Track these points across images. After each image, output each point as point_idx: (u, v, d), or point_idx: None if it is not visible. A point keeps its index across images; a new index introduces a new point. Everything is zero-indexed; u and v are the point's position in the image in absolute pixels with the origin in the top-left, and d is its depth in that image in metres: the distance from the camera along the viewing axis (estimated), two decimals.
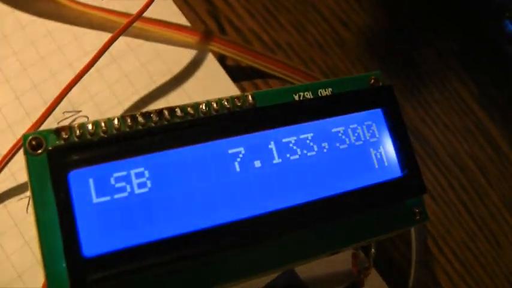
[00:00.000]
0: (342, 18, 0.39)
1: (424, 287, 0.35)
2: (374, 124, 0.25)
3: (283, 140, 0.23)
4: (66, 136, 0.21)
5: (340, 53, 0.38)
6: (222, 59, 0.35)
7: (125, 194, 0.21)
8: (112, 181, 0.21)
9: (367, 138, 0.25)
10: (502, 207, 0.38)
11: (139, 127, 0.22)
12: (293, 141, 0.24)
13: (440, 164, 0.38)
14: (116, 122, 0.22)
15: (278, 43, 0.37)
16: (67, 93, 0.28)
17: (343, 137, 0.25)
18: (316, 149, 0.24)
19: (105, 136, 0.22)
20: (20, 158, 0.22)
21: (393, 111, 0.26)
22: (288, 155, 0.23)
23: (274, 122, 0.23)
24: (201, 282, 0.23)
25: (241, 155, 0.23)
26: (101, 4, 0.33)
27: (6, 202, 0.29)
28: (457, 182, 0.38)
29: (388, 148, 0.25)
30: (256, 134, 0.23)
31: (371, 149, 0.25)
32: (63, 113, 0.30)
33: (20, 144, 0.27)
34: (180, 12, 0.34)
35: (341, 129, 0.25)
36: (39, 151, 0.21)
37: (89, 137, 0.21)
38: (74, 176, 0.20)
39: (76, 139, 0.21)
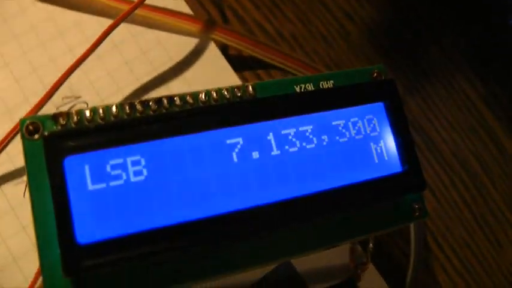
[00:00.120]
0: (346, 11, 0.39)
1: (421, 284, 0.34)
2: (375, 118, 0.25)
3: (283, 132, 0.23)
4: (64, 122, 0.21)
5: (344, 45, 0.38)
6: (224, 49, 0.34)
7: (120, 182, 0.21)
8: (108, 168, 0.20)
9: (368, 132, 0.25)
10: (503, 206, 0.38)
11: (138, 115, 0.22)
12: (292, 133, 0.23)
13: (442, 161, 0.37)
14: (114, 109, 0.22)
15: (282, 34, 0.37)
16: (66, 78, 0.28)
17: (344, 130, 0.24)
18: (315, 141, 0.24)
19: (102, 123, 0.21)
20: (18, 143, 0.22)
21: (395, 106, 0.25)
22: (286, 147, 0.23)
23: (274, 113, 0.23)
24: (196, 273, 0.22)
25: (239, 146, 0.22)
26: None
27: (3, 186, 0.29)
28: (459, 179, 0.37)
29: (389, 143, 0.25)
30: (255, 124, 0.23)
31: (371, 143, 0.25)
32: (63, 98, 0.30)
33: (18, 128, 0.27)
34: (182, 1, 0.34)
35: (341, 122, 0.24)
36: (36, 136, 0.21)
37: (86, 123, 0.21)
38: (70, 162, 0.20)
39: (73, 125, 0.21)
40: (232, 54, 0.35)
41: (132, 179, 0.21)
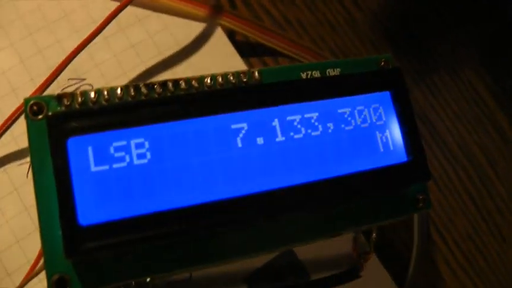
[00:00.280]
0: None
1: (424, 276, 0.34)
2: (381, 107, 0.25)
3: (288, 118, 0.23)
4: (68, 103, 0.21)
5: (352, 33, 0.37)
6: (231, 34, 0.34)
7: (123, 164, 0.20)
8: (111, 150, 0.20)
9: (374, 120, 0.25)
10: (508, 200, 0.37)
11: (142, 98, 0.22)
12: (298, 120, 0.23)
13: (448, 152, 0.37)
14: (118, 91, 0.22)
15: (289, 20, 0.37)
16: (72, 59, 0.28)
17: (349, 118, 0.24)
18: (320, 129, 0.24)
19: (107, 105, 0.21)
20: (22, 123, 0.22)
21: (401, 95, 0.25)
22: (291, 134, 0.23)
23: (279, 99, 0.23)
24: (197, 258, 0.22)
25: (243, 131, 0.22)
26: None
27: (7, 166, 0.29)
28: (464, 171, 0.37)
29: (395, 132, 0.25)
30: (260, 110, 0.23)
31: (377, 132, 0.25)
32: (68, 80, 0.30)
33: (22, 108, 0.27)
34: None
35: (347, 110, 0.24)
36: (40, 116, 0.21)
37: (90, 105, 0.21)
38: (73, 143, 0.20)
39: (78, 106, 0.21)
40: (239, 40, 0.35)
41: (136, 161, 0.21)
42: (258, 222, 0.23)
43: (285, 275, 0.30)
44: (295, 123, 0.23)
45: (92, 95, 0.21)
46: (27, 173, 0.28)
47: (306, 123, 0.23)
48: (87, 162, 0.20)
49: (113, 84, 0.31)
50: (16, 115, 0.27)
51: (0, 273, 0.27)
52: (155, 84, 0.22)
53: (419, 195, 0.26)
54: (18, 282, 0.26)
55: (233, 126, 0.22)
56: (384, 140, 0.25)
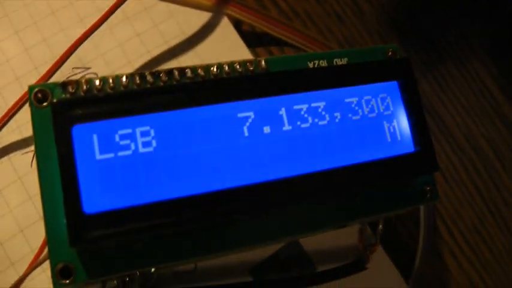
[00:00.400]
0: None
1: (430, 268, 0.34)
2: (389, 97, 0.25)
3: (295, 107, 0.23)
4: (73, 90, 0.21)
5: (359, 24, 0.37)
6: (237, 24, 0.34)
7: (129, 152, 0.20)
8: (116, 138, 0.20)
9: (381, 110, 0.24)
10: None
11: (148, 86, 0.22)
12: (305, 109, 0.23)
13: (454, 144, 0.37)
14: (124, 79, 0.22)
15: (296, 11, 0.36)
16: (77, 48, 0.28)
17: (356, 108, 0.24)
18: (328, 118, 0.23)
19: (112, 92, 0.21)
20: (26, 112, 0.21)
21: (409, 85, 0.25)
22: (298, 123, 0.23)
23: (286, 88, 0.23)
24: (201, 249, 0.22)
25: (250, 120, 0.22)
26: None
27: (11, 155, 0.28)
28: (471, 163, 0.37)
29: (402, 122, 0.25)
30: (267, 99, 0.23)
31: (384, 122, 0.24)
32: (72, 69, 0.30)
33: (26, 96, 0.27)
34: None
35: (354, 99, 0.24)
36: (45, 104, 0.21)
37: (95, 92, 0.21)
38: (78, 131, 0.20)
39: (82, 94, 0.21)
40: (246, 30, 0.35)
41: (141, 149, 0.20)
42: (264, 211, 0.23)
43: (291, 266, 0.30)
44: (302, 113, 0.23)
45: (97, 82, 0.21)
46: (32, 161, 0.28)
47: (313, 112, 0.23)
48: (92, 150, 0.20)
49: (118, 73, 0.30)
50: (20, 104, 0.27)
51: (4, 263, 0.27)
52: (161, 73, 0.22)
53: (426, 187, 0.26)
54: (22, 272, 0.25)
55: (240, 115, 0.22)
56: (392, 130, 0.24)
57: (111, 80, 0.21)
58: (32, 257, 0.26)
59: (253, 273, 0.29)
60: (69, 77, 0.29)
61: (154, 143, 0.21)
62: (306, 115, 0.23)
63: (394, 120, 0.25)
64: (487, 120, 0.38)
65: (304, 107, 0.23)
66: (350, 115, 0.24)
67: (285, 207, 0.23)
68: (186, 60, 0.32)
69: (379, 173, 0.24)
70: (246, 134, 0.22)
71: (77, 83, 0.21)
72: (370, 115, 0.24)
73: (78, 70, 0.30)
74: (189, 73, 0.22)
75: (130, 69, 0.31)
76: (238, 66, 0.23)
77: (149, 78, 0.22)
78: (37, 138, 0.21)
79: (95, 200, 0.19)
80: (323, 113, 0.23)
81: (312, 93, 0.23)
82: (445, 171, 0.36)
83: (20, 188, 0.28)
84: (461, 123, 0.38)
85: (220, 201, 0.21)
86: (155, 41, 0.32)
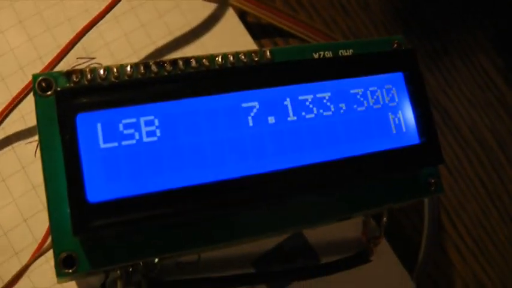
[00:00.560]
0: None
1: (433, 261, 0.34)
2: (394, 88, 0.25)
3: (300, 98, 0.23)
4: (77, 79, 0.21)
5: (364, 16, 0.37)
6: (242, 15, 0.34)
7: (133, 142, 0.20)
8: (120, 127, 0.20)
9: (386, 102, 0.24)
10: None
11: (152, 75, 0.22)
12: (310, 100, 0.23)
13: (459, 137, 0.37)
14: (128, 68, 0.22)
15: (301, 2, 0.36)
16: (81, 37, 0.28)
17: (362, 99, 0.24)
18: (333, 109, 0.23)
19: (117, 81, 0.21)
20: (30, 102, 0.21)
21: (415, 76, 0.25)
22: (303, 113, 0.23)
23: (291, 78, 0.23)
24: (204, 239, 0.22)
25: (255, 110, 0.22)
26: None
27: (15, 145, 0.28)
28: (475, 156, 0.37)
29: (407, 114, 0.25)
30: (272, 89, 0.22)
31: (389, 114, 0.24)
32: (77, 58, 0.30)
33: (30, 86, 0.27)
34: None
35: (360, 90, 0.24)
36: (49, 93, 0.21)
37: (99, 81, 0.21)
38: (82, 119, 0.20)
39: (86, 83, 0.21)
40: (251, 21, 0.34)
41: (145, 139, 0.20)
42: (268, 201, 0.22)
43: (295, 257, 0.30)
44: (307, 103, 0.23)
45: (101, 72, 0.21)
46: (35, 151, 0.28)
47: (318, 103, 0.23)
48: (96, 139, 0.20)
49: (122, 63, 0.30)
50: (24, 93, 0.27)
51: (7, 252, 0.27)
52: (165, 62, 0.22)
53: (431, 179, 0.26)
54: (25, 261, 0.25)
55: (244, 105, 0.22)
56: (397, 122, 0.24)
57: (115, 70, 0.21)
58: (35, 246, 0.26)
59: (256, 264, 0.29)
60: (73, 66, 0.29)
61: (158, 133, 0.21)
62: (311, 106, 0.23)
63: (399, 112, 0.25)
64: (491, 112, 0.38)
65: (309, 97, 0.23)
66: (355, 106, 0.24)
67: (289, 198, 0.23)
68: (191, 51, 0.31)
69: (383, 164, 0.24)
70: (251, 124, 0.22)
71: (81, 72, 0.21)
72: (376, 106, 0.24)
73: (83, 60, 0.30)
74: (193, 63, 0.22)
75: (135, 60, 0.31)
76: (243, 57, 0.23)
77: (154, 67, 0.22)
78: (41, 128, 0.21)
79: (99, 189, 0.19)
80: (328, 103, 0.23)
81: (317, 83, 0.23)
82: (449, 163, 0.36)
83: (24, 177, 0.28)
84: (466, 116, 0.37)
85: (224, 192, 0.21)
86: (160, 32, 0.32)
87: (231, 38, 0.32)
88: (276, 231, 0.24)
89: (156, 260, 0.22)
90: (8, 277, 0.25)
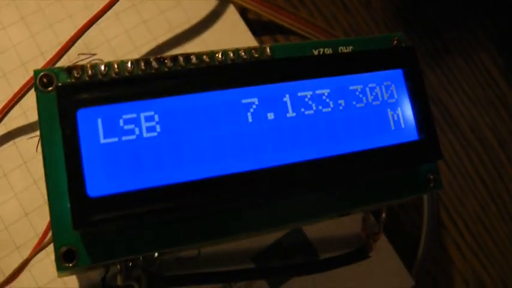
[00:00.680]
0: None
1: (433, 257, 0.34)
2: (393, 85, 0.25)
3: (299, 94, 0.23)
4: (78, 75, 0.21)
5: (365, 13, 0.37)
6: (243, 12, 0.34)
7: (133, 137, 0.20)
8: (121, 123, 0.20)
9: (385, 98, 0.24)
10: None
11: (153, 71, 0.22)
12: (309, 96, 0.23)
13: (459, 134, 0.37)
14: (129, 64, 0.22)
15: None
16: (83, 34, 0.28)
17: (361, 95, 0.24)
18: (332, 105, 0.23)
19: (117, 77, 0.21)
20: (32, 97, 0.22)
21: (414, 73, 0.25)
22: (302, 110, 0.23)
23: (291, 75, 0.23)
24: (204, 234, 0.22)
25: (254, 106, 0.22)
26: None
27: (16, 140, 0.29)
28: (475, 153, 0.37)
29: (406, 110, 0.25)
30: (271, 85, 0.23)
31: (388, 110, 0.24)
32: (78, 55, 0.30)
33: (32, 82, 0.27)
34: None
35: (359, 87, 0.24)
36: (50, 88, 0.21)
37: (100, 77, 0.21)
38: (82, 115, 0.20)
39: (87, 79, 0.21)
40: (252, 18, 0.35)
41: (145, 134, 0.20)
42: (266, 197, 0.23)
43: (294, 253, 0.30)
44: (307, 99, 0.23)
45: (102, 67, 0.21)
46: (37, 146, 0.28)
47: (317, 99, 0.23)
48: (96, 134, 0.20)
49: (123, 59, 0.30)
50: (26, 89, 0.27)
51: (8, 246, 0.27)
52: (166, 59, 0.22)
53: (430, 175, 0.26)
54: (26, 256, 0.26)
55: (244, 101, 0.22)
56: (396, 118, 0.24)
57: (116, 65, 0.21)
58: (36, 241, 0.27)
59: (256, 260, 0.29)
60: (75, 63, 0.29)
61: (158, 128, 0.21)
62: (310, 102, 0.23)
63: (398, 108, 0.25)
64: (492, 110, 0.38)
65: (309, 94, 0.23)
66: (354, 102, 0.24)
67: (288, 194, 0.23)
68: (192, 47, 0.32)
69: (382, 160, 0.24)
70: (250, 120, 0.22)
71: (82, 68, 0.21)
72: (375, 103, 0.24)
73: (84, 56, 0.30)
74: (194, 59, 0.22)
75: (136, 56, 0.31)
76: (243, 53, 0.23)
77: (154, 64, 0.22)
78: (42, 123, 0.21)
79: (99, 183, 0.20)
80: (327, 100, 0.23)
81: (317, 80, 0.23)
82: (449, 161, 0.36)
83: (25, 172, 0.28)
84: (467, 114, 0.38)
85: (224, 187, 0.21)
86: (161, 28, 0.32)
87: (231, 35, 0.33)
88: (275, 227, 0.24)
89: (156, 254, 0.22)
90: (9, 271, 0.25)
